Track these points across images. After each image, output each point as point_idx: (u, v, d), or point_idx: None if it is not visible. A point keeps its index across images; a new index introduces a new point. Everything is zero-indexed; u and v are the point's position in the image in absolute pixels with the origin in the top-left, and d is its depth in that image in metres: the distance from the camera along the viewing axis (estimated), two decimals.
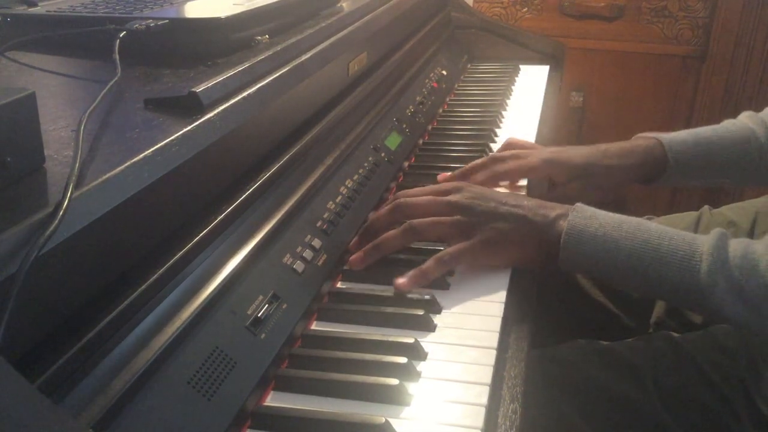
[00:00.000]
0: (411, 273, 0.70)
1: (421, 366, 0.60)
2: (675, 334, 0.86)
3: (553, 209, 0.72)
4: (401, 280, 0.69)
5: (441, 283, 0.71)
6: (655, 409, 0.77)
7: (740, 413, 0.78)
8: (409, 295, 0.68)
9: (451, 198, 0.74)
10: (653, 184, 0.91)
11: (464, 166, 0.90)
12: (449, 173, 0.91)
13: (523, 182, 0.95)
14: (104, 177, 0.46)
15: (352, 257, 0.73)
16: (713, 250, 0.64)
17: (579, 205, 0.71)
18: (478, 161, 0.89)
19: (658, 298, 0.78)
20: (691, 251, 0.65)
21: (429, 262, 0.70)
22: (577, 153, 0.89)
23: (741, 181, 0.93)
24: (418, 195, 0.77)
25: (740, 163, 0.89)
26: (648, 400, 0.78)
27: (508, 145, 0.95)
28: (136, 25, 0.73)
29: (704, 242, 0.66)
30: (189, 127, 0.55)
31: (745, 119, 0.91)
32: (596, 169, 0.87)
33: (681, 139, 0.88)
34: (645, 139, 0.89)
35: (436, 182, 0.93)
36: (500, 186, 0.92)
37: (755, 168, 0.89)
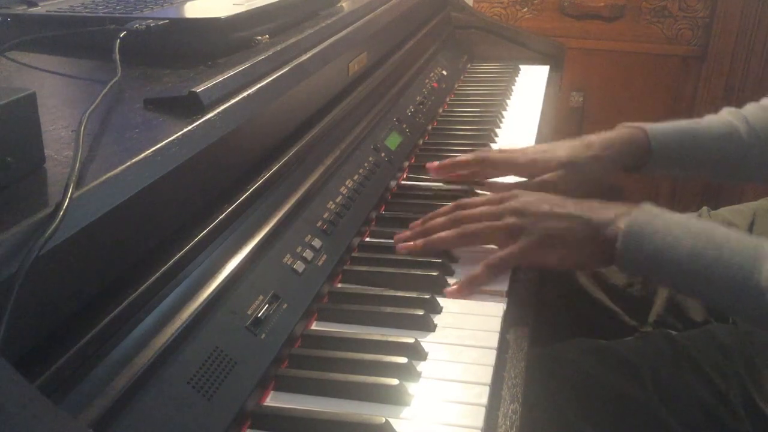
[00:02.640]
0: (461, 281, 0.70)
1: (421, 366, 0.60)
2: (673, 333, 0.86)
3: (615, 208, 0.69)
4: (451, 290, 0.69)
5: (441, 282, 0.71)
6: (654, 407, 0.78)
7: (738, 410, 0.78)
8: (409, 295, 0.68)
9: (505, 204, 0.73)
10: (636, 174, 0.90)
11: (454, 159, 0.90)
12: (437, 162, 0.92)
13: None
14: (104, 177, 0.46)
15: (402, 244, 0.74)
16: None
17: (647, 204, 0.68)
18: (468, 156, 0.89)
19: (715, 305, 0.76)
20: (755, 253, 0.63)
21: (479, 269, 0.70)
22: (562, 147, 0.88)
23: (722, 176, 0.92)
24: (476, 205, 0.76)
25: (721, 158, 0.89)
26: (647, 398, 0.78)
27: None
28: (136, 25, 0.73)
29: None
30: (189, 127, 0.55)
31: (727, 115, 0.91)
32: (581, 162, 0.87)
33: (664, 130, 0.88)
34: (629, 128, 0.89)
35: (437, 181, 0.93)
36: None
37: (736, 164, 0.89)
